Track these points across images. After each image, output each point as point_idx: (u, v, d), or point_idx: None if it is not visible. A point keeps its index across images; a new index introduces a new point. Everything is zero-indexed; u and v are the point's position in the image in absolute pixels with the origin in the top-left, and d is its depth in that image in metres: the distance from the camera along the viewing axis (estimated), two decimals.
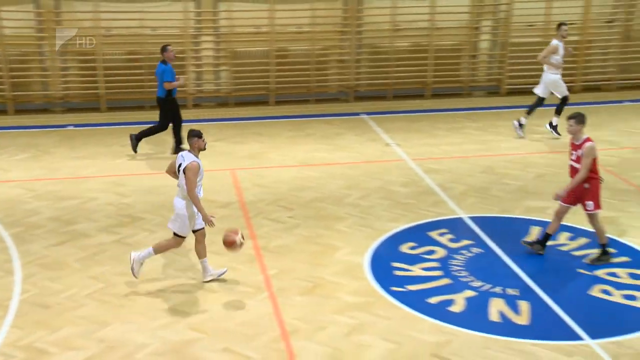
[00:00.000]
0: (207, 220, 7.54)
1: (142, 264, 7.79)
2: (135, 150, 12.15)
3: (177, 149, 12.03)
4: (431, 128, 13.77)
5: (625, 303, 7.54)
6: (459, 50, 15.90)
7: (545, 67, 12.92)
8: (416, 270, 8.28)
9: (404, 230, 9.34)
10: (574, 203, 8.37)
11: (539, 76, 15.93)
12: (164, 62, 11.75)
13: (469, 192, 10.52)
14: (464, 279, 8.05)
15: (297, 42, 15.31)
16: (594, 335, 6.92)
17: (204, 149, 7.69)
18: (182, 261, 8.44)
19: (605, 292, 7.75)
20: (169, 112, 12.01)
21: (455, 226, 9.40)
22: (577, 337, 6.92)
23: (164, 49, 11.80)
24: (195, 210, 7.59)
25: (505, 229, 9.32)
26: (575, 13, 15.69)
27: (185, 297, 7.68)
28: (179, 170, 7.61)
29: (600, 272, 8.15)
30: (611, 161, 11.72)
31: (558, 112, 12.96)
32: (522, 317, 7.30)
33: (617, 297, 7.65)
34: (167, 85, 11.69)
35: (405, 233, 9.26)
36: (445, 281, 8.02)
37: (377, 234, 9.20)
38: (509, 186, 10.80)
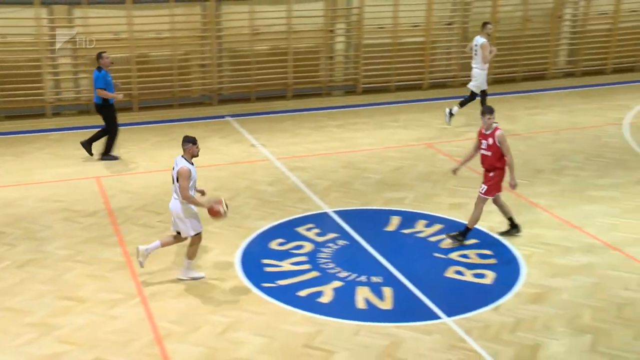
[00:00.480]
0: (212, 207, 7.60)
1: (147, 256, 7.83)
2: (90, 154, 11.83)
3: (106, 155, 11.81)
4: (294, 127, 13.91)
5: (476, 281, 7.99)
6: (316, 52, 16.16)
7: (473, 63, 13.57)
8: (286, 265, 8.34)
9: (272, 227, 9.38)
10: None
11: (390, 75, 16.61)
12: (99, 69, 11.43)
13: (332, 188, 10.73)
14: (332, 271, 8.20)
15: (158, 48, 14.94)
16: (450, 313, 7.29)
17: (197, 155, 7.73)
18: (45, 274, 8.01)
19: (459, 272, 8.17)
20: (109, 117, 11.75)
21: (321, 220, 9.56)
22: (436, 317, 7.26)
23: (99, 56, 11.50)
24: (196, 209, 7.65)
25: (368, 221, 9.59)
26: (419, 16, 16.38)
27: (51, 309, 7.29)
28: (172, 176, 7.68)
29: (454, 255, 8.58)
30: (458, 152, 12.36)
31: (462, 104, 13.74)
32: (386, 302, 7.55)
33: (468, 276, 8.09)
34: (100, 93, 11.44)
35: (273, 230, 9.30)
36: (313, 274, 8.14)
37: (247, 232, 9.18)
38: (370, 180, 11.12)
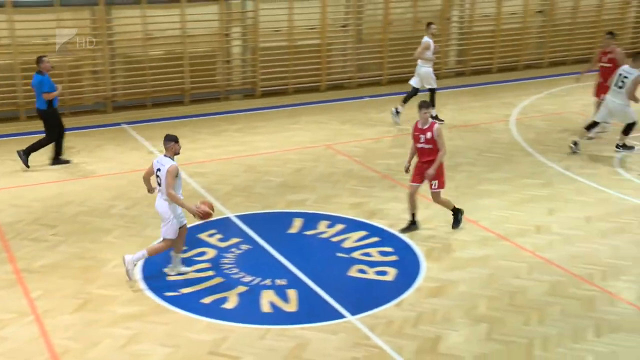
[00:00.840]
0: (194, 211, 7.66)
1: (135, 265, 7.87)
2: (27, 165, 11.34)
3: (56, 160, 11.45)
4: (193, 133, 13.70)
5: (378, 279, 8.15)
6: (213, 57, 15.99)
7: (419, 61, 13.98)
8: (189, 272, 8.19)
9: None
10: (421, 181, 9.10)
11: (288, 78, 16.69)
12: (40, 72, 11.00)
13: (234, 192, 10.64)
14: (236, 276, 8.14)
15: (46, 54, 14.30)
16: (354, 312, 7.39)
17: (179, 153, 7.85)
18: None
19: (361, 271, 8.30)
20: (53, 122, 11.29)
21: (224, 226, 9.46)
22: (341, 316, 7.34)
23: (39, 59, 11.10)
24: (179, 210, 7.75)
25: (270, 224, 9.57)
26: (314, 18, 16.55)
27: None
28: (158, 176, 7.73)
29: (356, 254, 8.71)
30: (356, 152, 12.57)
31: (405, 100, 14.10)
32: (291, 304, 7.57)
33: (371, 274, 8.23)
34: (47, 96, 11.02)
35: None
36: (217, 280, 8.05)
37: (147, 241, 8.95)
38: (271, 183, 11.12)
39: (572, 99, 15.80)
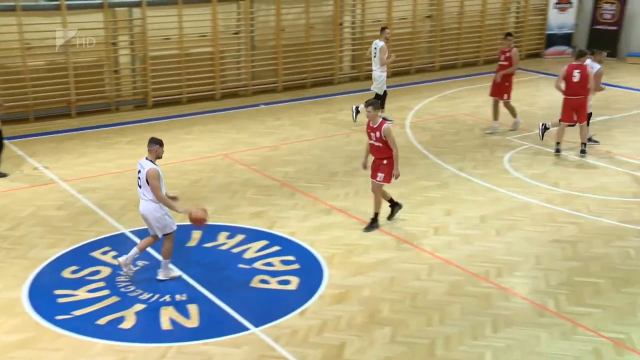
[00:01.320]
0: (186, 211, 7.88)
1: (170, 270, 8.20)
2: None
3: None
4: (82, 146, 13.23)
5: (281, 288, 8.15)
6: (100, 67, 15.51)
7: (374, 65, 14.40)
8: (81, 293, 7.90)
9: (64, 255, 8.84)
10: (373, 178, 9.44)
11: (181, 87, 16.45)
12: None
13: (128, 207, 10.35)
14: (133, 294, 7.91)
15: None
16: (257, 323, 7.35)
17: (161, 157, 8.00)
18: None
19: (264, 281, 8.27)
20: None
21: (118, 242, 9.18)
22: (244, 328, 7.28)
23: None
24: (165, 212, 7.88)
25: None
26: (205, 26, 16.40)
27: None
28: (139, 178, 7.85)
29: (258, 264, 8.68)
30: (253, 160, 12.55)
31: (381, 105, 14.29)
32: (193, 320, 7.44)
33: (273, 284, 8.22)
34: None
35: (65, 258, 8.76)
36: (113, 299, 7.79)
37: (34, 263, 8.55)
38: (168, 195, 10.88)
39: (462, 101, 16.45)
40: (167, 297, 7.84)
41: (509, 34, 14.10)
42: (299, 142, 13.66)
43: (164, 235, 8.08)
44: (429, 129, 14.44)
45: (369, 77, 18.85)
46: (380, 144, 9.30)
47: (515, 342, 7.08)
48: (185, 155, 12.80)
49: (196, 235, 9.40)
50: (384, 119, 14.16)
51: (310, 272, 8.53)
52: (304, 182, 11.45)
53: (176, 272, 8.32)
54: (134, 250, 8.19)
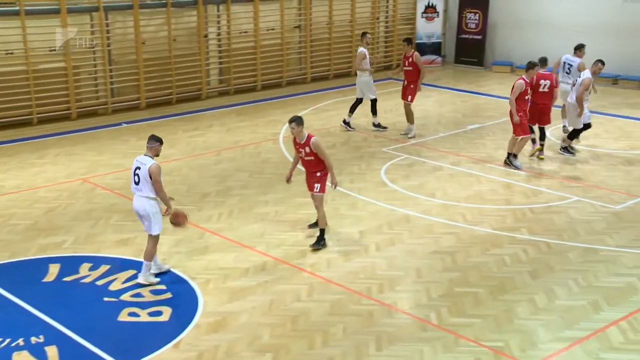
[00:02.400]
0: (178, 211, 8.46)
1: (150, 274, 8.44)
2: None
3: None
4: None
5: (152, 320, 7.90)
6: None
7: (357, 72, 15.07)
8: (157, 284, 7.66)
9: None
10: (309, 189, 9.69)
11: (31, 106, 15.68)
12: None
13: None
14: None
15: None
16: None
17: (159, 154, 8.47)
18: None
19: (133, 314, 7.99)
20: None
21: None
22: None
23: None
24: (157, 210, 8.27)
25: (20, 274, 8.89)
26: (52, 39, 15.70)
27: None
28: (136, 174, 8.21)
29: (126, 296, 8.37)
30: (117, 184, 12.14)
31: (351, 110, 15.14)
32: None
33: (144, 316, 7.96)
34: None
35: None
36: None
37: None
38: (18, 226, 10.32)
39: (336, 114, 16.75)
40: (20, 341, 7.38)
41: (408, 40, 14.94)
42: (166, 162, 13.36)
43: (150, 234, 8.38)
44: None
45: (239, 91, 18.89)
46: (312, 158, 9.50)
47: (399, 359, 7.24)
48: (38, 182, 12.19)
49: (54, 269, 8.94)
50: (378, 126, 15.00)
51: (183, 300, 8.34)
52: (173, 205, 11.17)
53: (155, 278, 8.53)
54: (143, 263, 8.51)
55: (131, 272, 8.93)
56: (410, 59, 14.63)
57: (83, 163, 13.27)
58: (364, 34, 15.31)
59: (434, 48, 22.55)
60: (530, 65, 12.63)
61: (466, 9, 22.09)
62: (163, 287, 8.61)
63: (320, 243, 9.65)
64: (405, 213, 10.93)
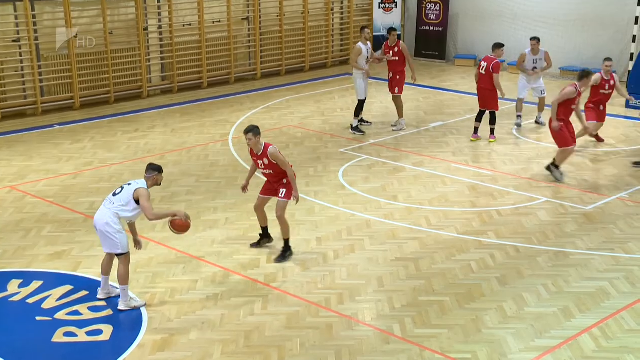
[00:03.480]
0: (182, 215, 8.33)
1: (131, 298, 8.29)
2: None
3: None
4: None
5: (91, 340, 7.80)
6: None
7: (353, 70, 14.93)
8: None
9: None
10: (268, 195, 9.62)
11: None
12: None
13: None
14: None
15: None
16: None
17: (160, 184, 8.52)
18: None
19: (70, 334, 7.88)
20: None
21: None
22: None
23: None
24: (119, 228, 8.06)
25: None
26: None
27: None
28: (121, 187, 8.17)
29: (61, 314, 8.25)
30: (50, 191, 11.96)
31: (356, 114, 14.99)
32: None
33: (82, 336, 7.85)
34: None
35: None
36: None
37: None
38: None
39: (289, 112, 16.80)
40: None
41: (393, 29, 15.14)
42: (105, 166, 13.23)
43: (117, 255, 8.18)
44: None
45: (183, 89, 18.78)
46: (271, 171, 9.41)
47: None
48: None
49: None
50: (355, 129, 14.91)
51: (126, 317, 8.27)
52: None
53: (139, 301, 8.36)
54: (103, 278, 8.45)
55: (67, 288, 8.81)
56: (397, 49, 14.95)
57: (10, 169, 13.03)
58: (362, 27, 15.22)
59: None
60: (585, 74, 12.35)
61: None
62: (103, 302, 8.51)
63: (285, 255, 9.58)
64: (365, 218, 11.01)
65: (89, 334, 7.90)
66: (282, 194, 9.50)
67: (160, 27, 18.54)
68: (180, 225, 8.39)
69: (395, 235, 10.45)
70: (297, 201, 9.53)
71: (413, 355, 7.59)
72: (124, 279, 8.25)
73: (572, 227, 10.69)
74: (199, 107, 17.45)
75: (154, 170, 8.38)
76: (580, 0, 19.81)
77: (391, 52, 15.03)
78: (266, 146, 9.32)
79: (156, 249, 9.96)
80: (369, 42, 14.97)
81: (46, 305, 8.45)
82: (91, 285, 8.92)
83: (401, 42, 15.14)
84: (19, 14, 16.11)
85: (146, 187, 8.21)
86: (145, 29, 17.97)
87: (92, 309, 8.39)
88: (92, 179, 12.58)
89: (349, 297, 8.76)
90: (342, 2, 22.27)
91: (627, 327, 8.10)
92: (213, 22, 19.26)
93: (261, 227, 9.93)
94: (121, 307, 8.30)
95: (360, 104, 15.02)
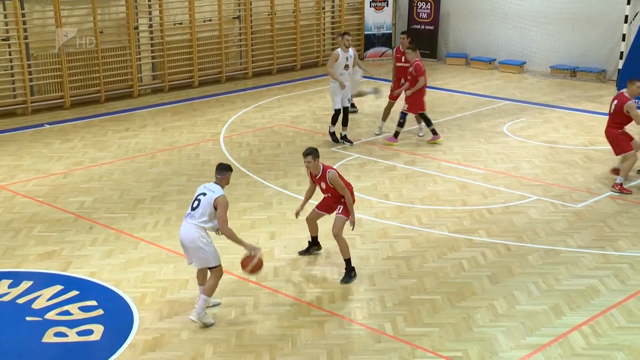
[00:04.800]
0: (253, 249, 8.11)
1: (206, 313, 8.03)
2: None
3: None
4: None
5: (82, 340, 7.79)
6: None
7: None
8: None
9: None
10: (324, 211, 9.42)
11: None
12: None
13: None
14: None
15: None
16: None
17: (228, 182, 8.32)
18: None
19: (61, 334, 7.86)
20: None
21: None
22: None
23: None
24: (209, 241, 7.98)
25: None
26: None
27: None
28: (197, 199, 8.01)
29: (51, 314, 8.23)
30: (40, 191, 11.93)
31: (344, 123, 14.20)
32: None
33: (72, 336, 7.84)
34: None
35: None
36: None
37: None
38: None
39: (281, 111, 16.79)
40: None
41: (405, 32, 14.84)
42: (95, 166, 13.19)
43: (209, 269, 8.10)
44: (245, 143, 14.57)
45: (174, 88, 18.74)
46: (330, 194, 9.21)
47: None
48: None
49: None
50: (334, 136, 14.34)
51: (117, 317, 8.25)
52: (104, 213, 11.07)
53: (210, 319, 8.11)
54: (201, 297, 8.10)
55: (57, 288, 8.79)
56: (406, 55, 14.32)
57: (0, 169, 12.98)
58: (343, 33, 14.30)
59: (384, 39, 22.79)
60: (633, 80, 11.83)
61: None
62: (94, 302, 8.50)
63: (351, 275, 9.11)
64: (357, 216, 11.00)
65: (79, 334, 7.88)
66: (339, 210, 9.18)
67: (151, 25, 18.50)
68: (255, 266, 8.16)
69: (386, 233, 10.46)
70: (353, 227, 9.13)
71: (404, 354, 7.61)
72: (210, 290, 8.09)
73: (563, 225, 10.73)
74: (190, 106, 17.42)
75: (227, 170, 8.23)
76: None
77: (403, 57, 14.42)
78: (325, 169, 9.09)
79: (147, 248, 9.94)
80: (350, 50, 13.96)
81: (36, 305, 8.42)
82: (82, 285, 8.91)
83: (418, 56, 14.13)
84: (9, 13, 16.04)
85: (223, 192, 8.06)
86: (136, 27, 17.93)
87: (83, 309, 8.37)
88: (82, 179, 12.55)
89: (341, 296, 8.77)
90: (333, 1, 22.27)
91: (617, 325, 8.14)
92: (204, 21, 19.23)
93: (311, 236, 9.76)
94: (193, 317, 8.05)
95: (336, 113, 14.14)
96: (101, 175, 12.68)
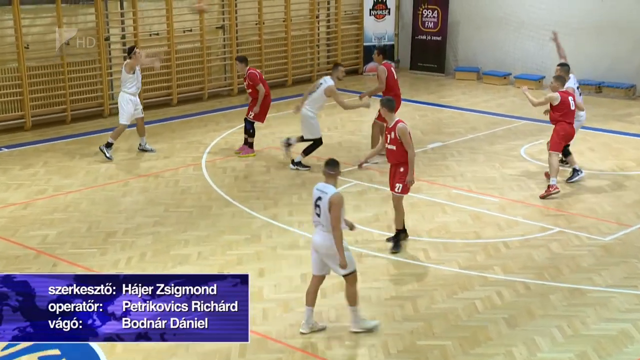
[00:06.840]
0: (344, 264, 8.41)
1: (363, 319, 8.73)
2: None
3: None
4: None
5: None
6: None
7: (310, 105, 14.23)
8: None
9: None
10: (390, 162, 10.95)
11: None
12: None
13: None
14: None
15: None
16: None
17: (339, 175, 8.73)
18: None
19: None
20: None
21: None
22: None
23: None
24: (346, 244, 8.39)
25: None
26: None
27: None
28: (317, 205, 8.41)
29: None
30: None
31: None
32: None
33: None
34: None
35: None
36: None
37: None
38: None
39: (270, 132, 16.83)
40: None
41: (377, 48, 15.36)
42: (60, 194, 13.20)
43: (344, 276, 8.55)
44: (231, 168, 14.59)
45: (150, 106, 18.78)
46: (394, 147, 10.59)
47: None
48: None
49: None
50: (299, 165, 14.56)
51: None
52: (70, 248, 11.05)
53: (372, 321, 8.81)
54: (307, 310, 8.73)
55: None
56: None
57: None
58: (336, 65, 14.56)
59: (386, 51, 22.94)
60: None
61: (422, 4, 22.57)
62: (57, 352, 8.44)
63: (397, 247, 10.87)
64: (356, 251, 11.00)
65: None
66: (398, 189, 10.74)
67: (123, 36, 18.60)
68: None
69: (389, 270, 10.46)
70: (412, 184, 10.71)
71: None
72: (353, 299, 8.66)
73: (589, 260, 10.74)
74: (168, 126, 17.47)
75: (337, 166, 8.65)
76: (595, 6, 19.98)
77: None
78: (397, 121, 10.56)
79: None
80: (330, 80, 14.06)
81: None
82: (44, 332, 8.84)
83: (381, 66, 14.43)
84: None
85: (335, 190, 8.46)
86: (107, 38, 18.02)
87: (43, 359, 8.32)
88: (45, 209, 12.53)
89: (338, 342, 8.74)
90: (328, 9, 22.45)
91: None
92: (184, 32, 19.35)
93: (397, 229, 10.97)
94: (354, 329, 8.75)
95: (317, 143, 14.39)
96: (67, 206, 12.67)
